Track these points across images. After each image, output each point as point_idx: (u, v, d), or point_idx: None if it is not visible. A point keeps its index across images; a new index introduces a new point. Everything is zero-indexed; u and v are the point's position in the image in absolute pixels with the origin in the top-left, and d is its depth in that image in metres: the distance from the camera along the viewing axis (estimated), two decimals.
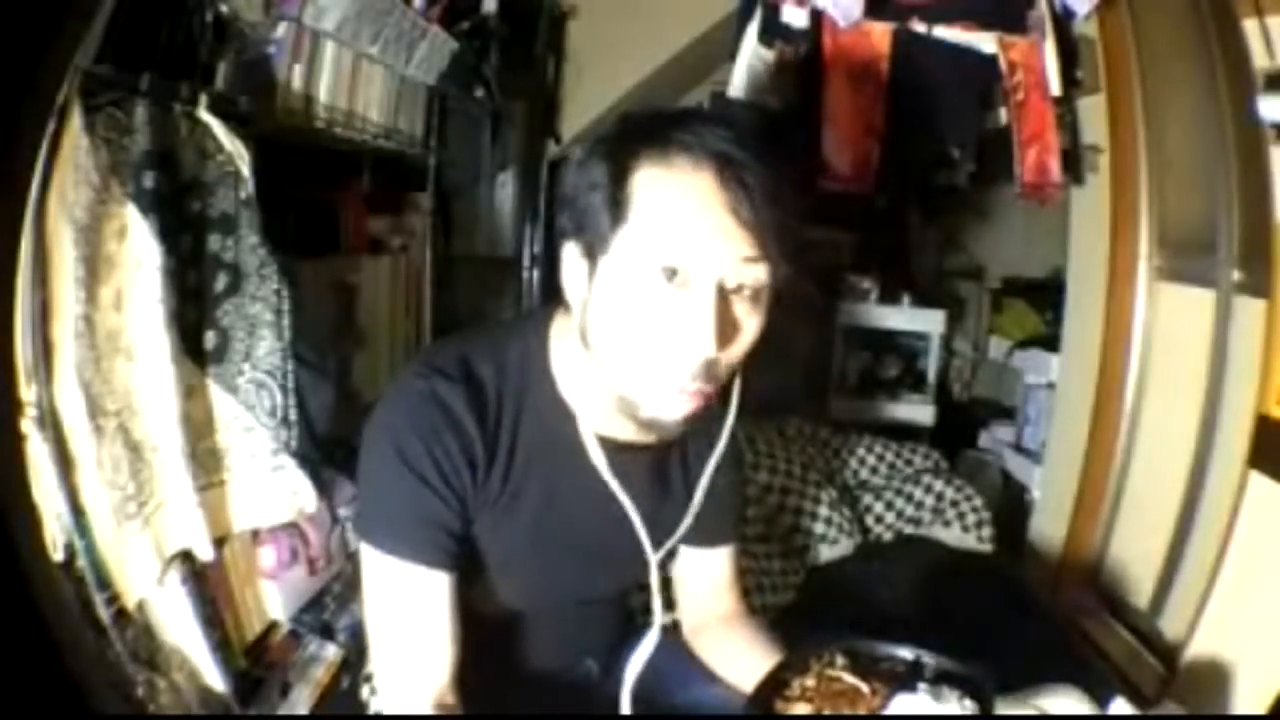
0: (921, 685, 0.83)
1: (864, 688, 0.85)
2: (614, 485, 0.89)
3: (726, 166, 0.75)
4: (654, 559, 0.93)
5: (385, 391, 0.88)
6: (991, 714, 0.81)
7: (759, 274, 0.78)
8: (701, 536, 1.02)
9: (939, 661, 0.87)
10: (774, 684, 0.87)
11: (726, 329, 0.77)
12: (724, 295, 0.77)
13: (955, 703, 0.81)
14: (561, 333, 0.90)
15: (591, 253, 0.80)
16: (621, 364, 0.80)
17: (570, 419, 0.89)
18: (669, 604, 1.08)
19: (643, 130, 0.79)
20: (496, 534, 0.89)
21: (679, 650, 1.03)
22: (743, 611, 1.09)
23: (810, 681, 0.87)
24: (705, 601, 1.08)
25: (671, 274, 0.76)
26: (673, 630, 1.05)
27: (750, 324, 0.80)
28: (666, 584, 1.08)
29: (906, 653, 0.89)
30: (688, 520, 0.96)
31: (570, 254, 0.83)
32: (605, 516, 0.91)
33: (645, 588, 0.95)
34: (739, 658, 1.00)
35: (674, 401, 0.80)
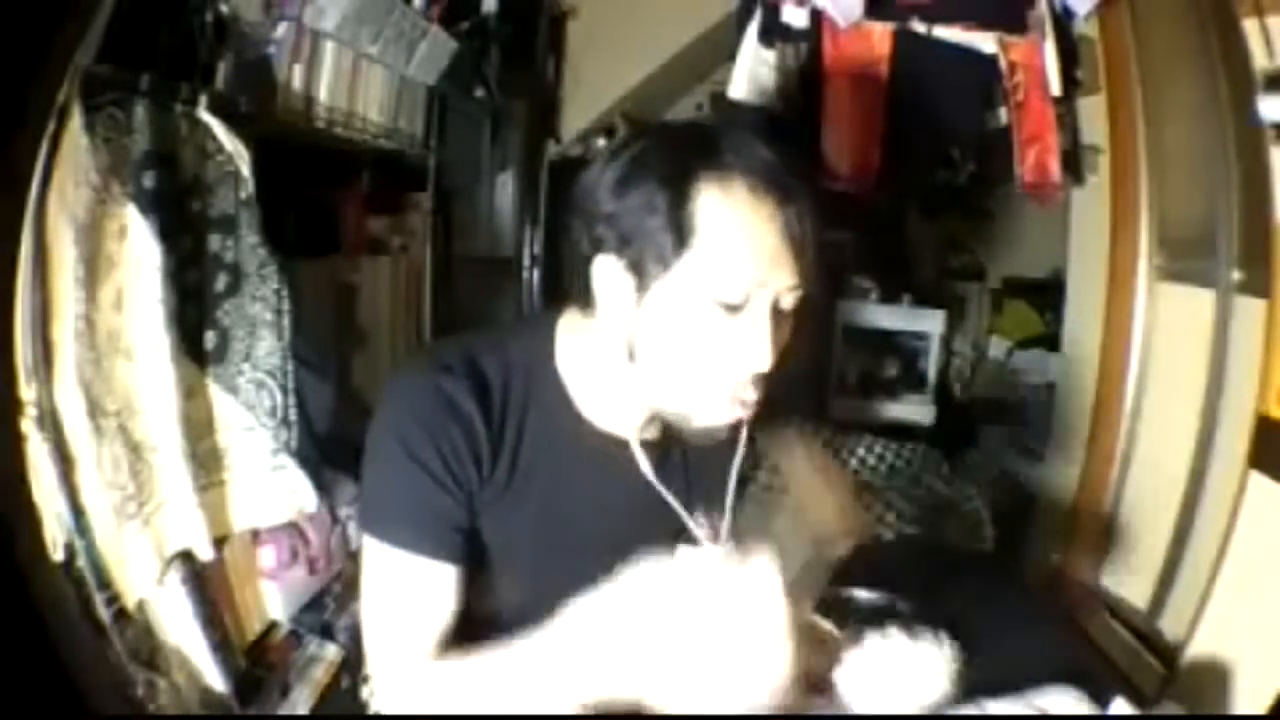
0: (893, 626, 0.82)
1: (834, 632, 0.84)
2: (656, 483, 0.90)
3: (786, 198, 0.78)
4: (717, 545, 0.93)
5: (388, 385, 0.88)
6: (962, 658, 0.80)
7: (799, 293, 0.82)
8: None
9: (911, 607, 0.87)
10: None
11: (776, 343, 0.81)
12: (776, 315, 0.81)
13: (930, 641, 0.80)
14: (568, 333, 0.90)
15: (642, 271, 0.79)
16: (674, 381, 0.82)
17: (579, 419, 0.90)
18: None
19: (694, 148, 0.79)
20: (500, 531, 0.88)
21: None
22: None
23: None
24: None
25: (733, 308, 0.78)
26: None
27: (783, 334, 0.83)
28: None
29: (882, 599, 0.88)
30: (726, 522, 0.96)
31: (610, 268, 0.81)
32: (612, 514, 0.91)
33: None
34: None
35: (726, 411, 0.83)
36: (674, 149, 0.80)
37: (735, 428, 0.94)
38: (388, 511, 0.84)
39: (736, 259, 0.77)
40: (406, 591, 0.83)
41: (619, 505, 0.91)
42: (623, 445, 0.90)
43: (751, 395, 0.82)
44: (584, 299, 0.85)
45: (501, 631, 0.95)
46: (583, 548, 0.92)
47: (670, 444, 0.95)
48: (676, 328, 0.80)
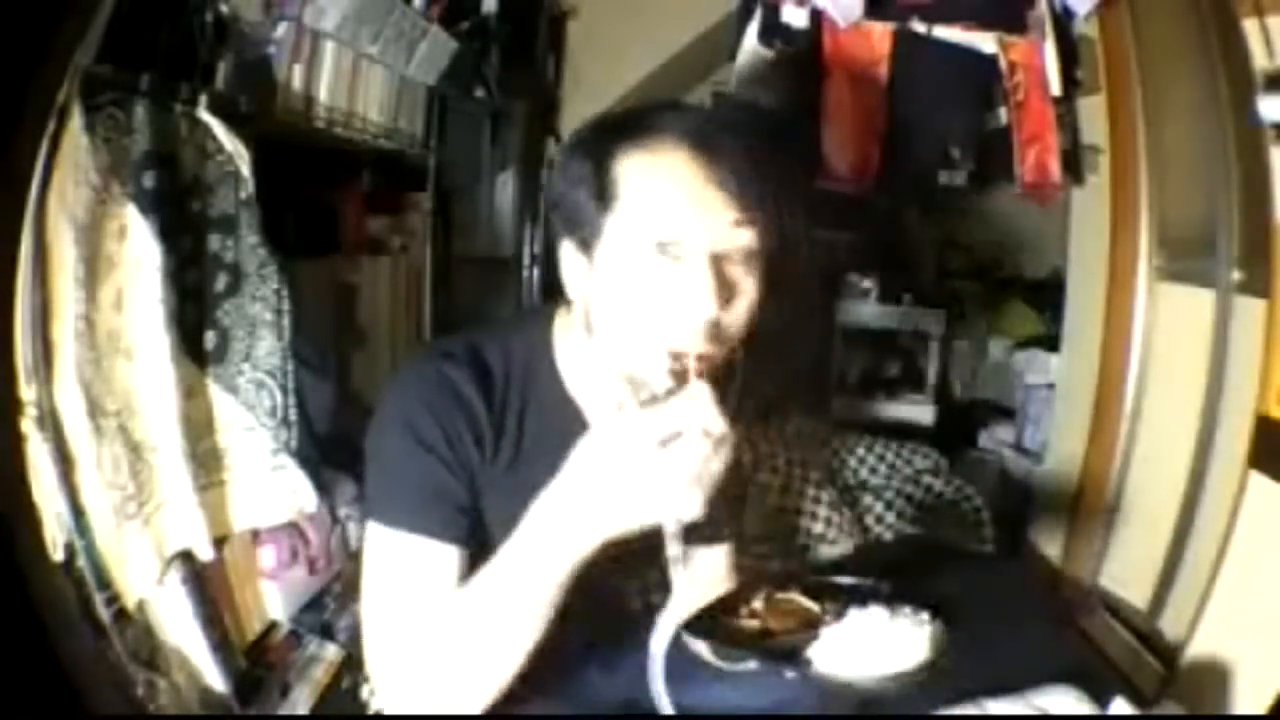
0: (875, 602, 0.82)
1: (815, 607, 0.84)
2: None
3: (702, 141, 0.80)
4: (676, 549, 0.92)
5: (393, 377, 0.92)
6: (949, 637, 0.80)
7: (748, 239, 0.81)
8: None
9: (891, 588, 0.87)
10: (718, 608, 0.86)
11: (724, 290, 0.80)
12: (718, 262, 0.80)
13: (912, 618, 0.79)
14: (565, 330, 0.92)
15: (586, 245, 0.83)
16: (627, 343, 0.83)
17: (577, 415, 0.91)
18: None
19: (619, 124, 0.84)
20: (499, 521, 0.88)
21: (681, 647, 1.02)
22: None
23: (758, 604, 0.86)
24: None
25: (664, 248, 0.79)
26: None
27: (746, 287, 0.82)
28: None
29: (865, 582, 0.88)
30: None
31: (567, 252, 0.86)
32: None
33: (645, 587, 0.95)
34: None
35: (684, 370, 0.81)
36: (603, 127, 0.85)
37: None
38: (394, 495, 0.85)
39: (656, 200, 0.80)
40: (411, 576, 0.83)
41: None
42: None
43: (707, 348, 0.80)
44: (564, 291, 0.88)
45: None
46: None
47: None
48: (620, 285, 0.82)
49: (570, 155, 0.85)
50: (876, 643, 0.77)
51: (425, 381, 0.87)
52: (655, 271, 0.80)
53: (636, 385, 0.83)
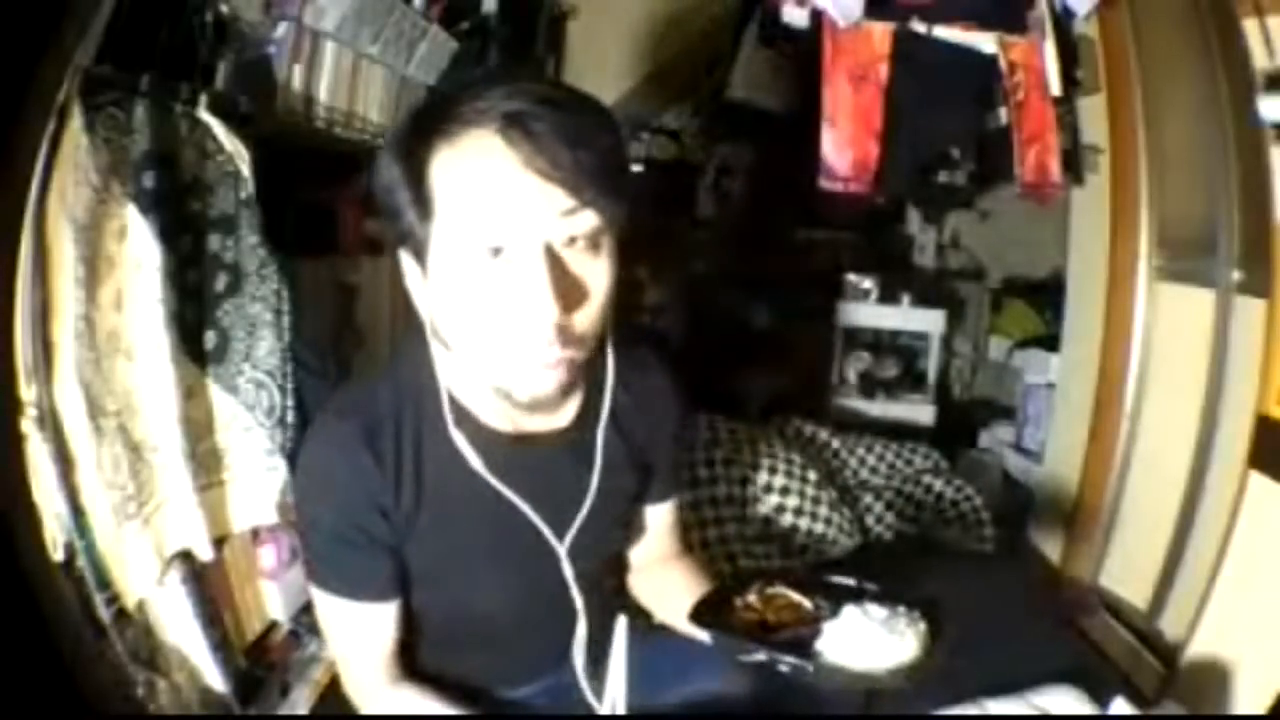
0: (867, 600, 0.83)
1: (807, 603, 0.85)
2: (498, 484, 0.87)
3: (510, 124, 0.72)
4: (562, 548, 0.91)
5: (303, 445, 0.91)
6: (939, 638, 0.80)
7: (588, 221, 0.74)
8: (650, 496, 1.04)
9: (881, 588, 0.87)
10: (715, 601, 0.88)
11: (568, 289, 0.74)
12: (555, 256, 0.73)
13: (904, 617, 0.80)
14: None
15: (417, 251, 0.78)
16: (480, 353, 0.78)
17: (473, 422, 0.87)
18: (622, 589, 1.09)
19: (427, 118, 0.77)
20: (425, 554, 0.88)
21: (667, 644, 1.01)
22: (679, 552, 1.11)
23: (751, 598, 0.87)
24: (647, 550, 1.09)
25: (495, 251, 0.73)
26: (656, 626, 1.05)
27: (597, 275, 0.77)
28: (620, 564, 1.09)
29: (849, 580, 0.89)
30: (595, 506, 0.93)
31: (405, 261, 0.81)
32: (513, 511, 0.89)
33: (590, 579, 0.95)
34: (675, 594, 0.99)
35: (542, 377, 0.78)
36: (412, 126, 0.77)
37: (637, 387, 0.94)
38: (320, 564, 0.88)
39: (474, 202, 0.73)
40: (352, 629, 0.89)
41: (500, 502, 0.89)
42: (526, 439, 0.89)
43: (565, 353, 0.76)
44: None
45: (456, 648, 0.96)
46: (508, 553, 0.91)
47: (591, 422, 0.92)
48: (458, 296, 0.76)
49: (382, 159, 0.78)
50: (879, 636, 0.77)
51: (319, 459, 0.86)
52: (490, 277, 0.74)
53: (503, 393, 0.81)
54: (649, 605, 1.06)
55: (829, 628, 0.80)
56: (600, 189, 0.73)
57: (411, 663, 0.93)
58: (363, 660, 0.90)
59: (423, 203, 0.75)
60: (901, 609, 0.81)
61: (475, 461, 0.86)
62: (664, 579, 1.06)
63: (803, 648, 0.79)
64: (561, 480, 0.92)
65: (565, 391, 0.81)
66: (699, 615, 0.86)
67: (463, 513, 0.88)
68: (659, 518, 1.08)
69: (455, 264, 0.75)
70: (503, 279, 0.74)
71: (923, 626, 0.79)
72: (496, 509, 0.88)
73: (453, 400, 0.87)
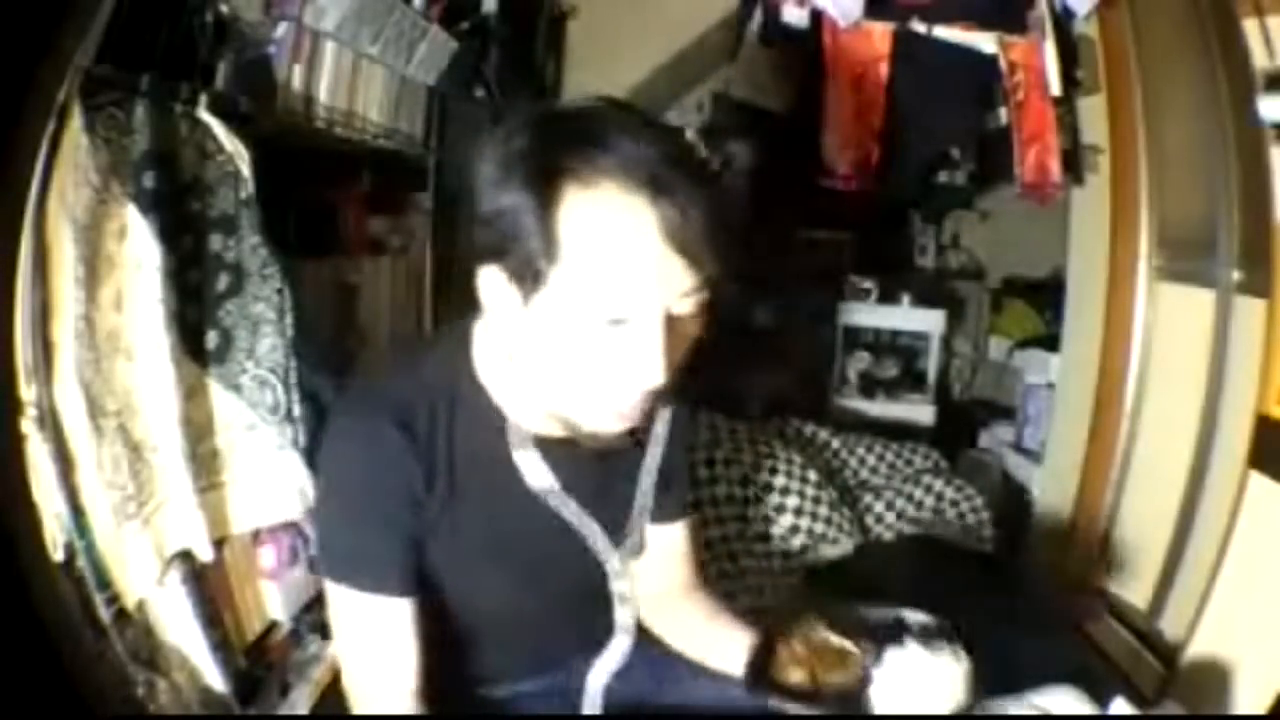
0: (910, 639, 0.83)
1: (853, 648, 0.85)
2: (540, 491, 0.87)
3: (660, 191, 0.70)
4: (614, 558, 0.92)
5: (325, 434, 0.87)
6: (978, 663, 0.81)
7: (702, 297, 0.75)
8: (662, 513, 1.01)
9: (918, 616, 0.87)
10: (764, 656, 0.87)
11: (672, 355, 0.75)
12: (669, 323, 0.74)
13: (948, 652, 0.80)
14: (486, 337, 0.87)
15: (522, 282, 0.74)
16: (560, 392, 0.79)
17: (506, 424, 0.87)
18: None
19: (567, 142, 0.72)
20: (451, 546, 0.87)
21: (662, 645, 1.02)
22: (698, 583, 1.08)
23: (798, 647, 0.87)
24: (662, 574, 1.05)
25: (617, 322, 0.73)
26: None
27: (691, 333, 0.78)
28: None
29: (885, 612, 0.89)
30: (641, 514, 0.95)
31: (493, 278, 0.77)
32: (556, 518, 0.89)
33: (605, 582, 0.95)
34: (699, 630, 0.99)
35: (617, 424, 0.79)
36: (546, 144, 0.73)
37: (646, 429, 0.93)
38: (338, 557, 0.85)
39: (612, 273, 0.71)
40: (366, 628, 0.84)
41: (548, 509, 0.89)
42: (559, 443, 0.88)
43: (642, 409, 0.78)
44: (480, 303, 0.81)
45: (467, 644, 0.95)
46: (532, 554, 0.91)
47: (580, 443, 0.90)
48: (560, 342, 0.75)
49: (508, 171, 0.73)
50: (925, 678, 0.79)
51: (351, 444, 0.83)
52: (604, 340, 0.73)
53: (564, 423, 0.81)
54: (667, 635, 1.02)
55: (878, 674, 0.81)
56: (721, 263, 0.74)
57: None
58: (371, 666, 0.85)
59: (551, 242, 0.71)
60: (943, 643, 0.82)
61: (533, 465, 0.86)
62: (687, 615, 1.03)
63: (854, 700, 0.80)
64: (606, 484, 0.92)
65: (629, 431, 0.83)
66: (753, 680, 0.86)
67: (502, 510, 0.88)
68: (674, 539, 1.05)
69: (569, 316, 0.73)
70: (615, 340, 0.73)
71: (964, 656, 0.80)
72: (536, 509, 0.88)
73: (491, 401, 0.87)
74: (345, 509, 0.84)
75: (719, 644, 0.94)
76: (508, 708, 1.00)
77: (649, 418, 0.89)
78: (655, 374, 0.74)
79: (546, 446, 0.87)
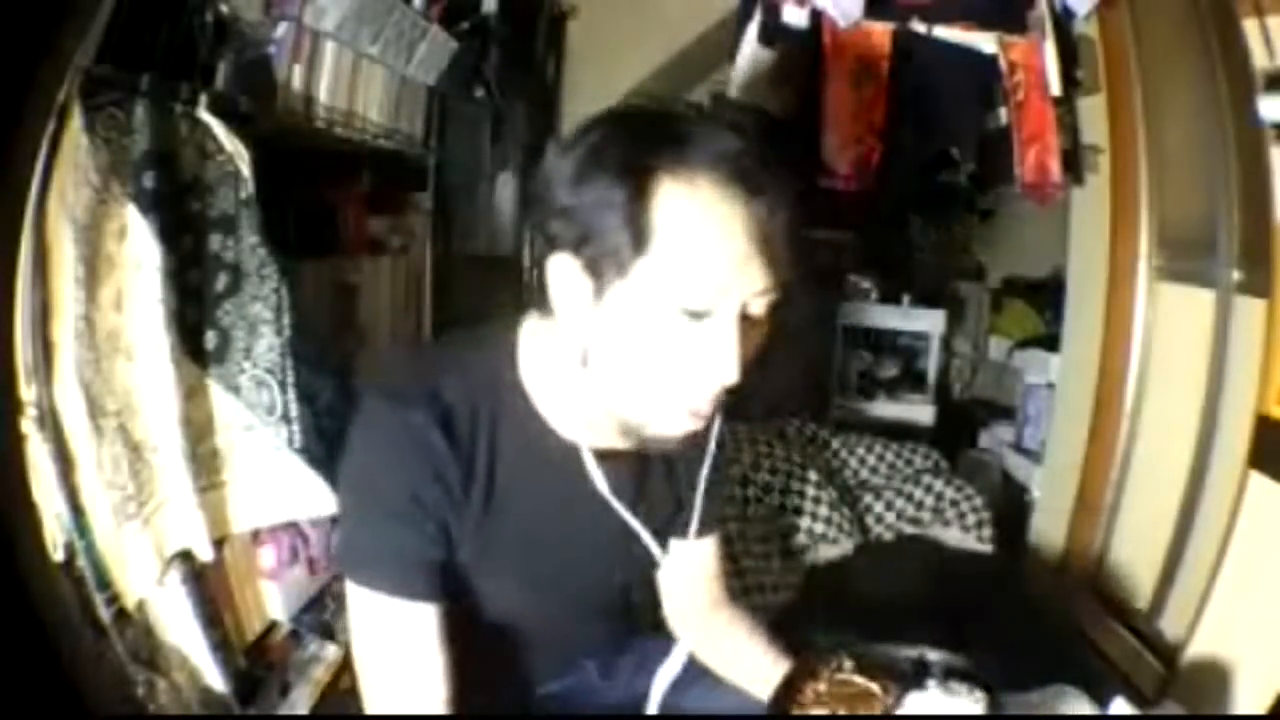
0: (931, 682, 0.84)
1: (876, 688, 0.86)
2: (609, 496, 0.87)
3: (756, 195, 0.71)
4: (664, 559, 0.93)
5: (354, 425, 0.83)
6: (998, 705, 0.82)
7: (772, 299, 0.76)
8: (700, 526, 1.01)
9: (941, 657, 0.88)
10: (787, 692, 0.89)
11: (745, 348, 0.75)
12: (744, 321, 0.75)
13: (966, 696, 0.82)
14: (532, 342, 0.86)
15: (599, 273, 0.74)
16: (631, 390, 0.77)
17: (548, 432, 0.86)
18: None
19: (656, 138, 0.73)
20: (484, 553, 0.86)
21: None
22: (727, 599, 1.07)
23: (822, 686, 0.88)
24: (692, 590, 1.06)
25: (696, 315, 0.73)
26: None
27: (759, 337, 0.78)
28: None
29: (910, 652, 0.90)
30: (694, 522, 0.96)
31: (566, 267, 0.76)
32: (593, 524, 0.89)
33: (629, 590, 0.96)
34: (733, 649, 1.00)
35: (684, 423, 0.78)
36: (635, 139, 0.74)
37: (701, 436, 0.90)
38: (366, 557, 0.81)
39: (700, 264, 0.71)
40: (390, 633, 0.80)
41: (585, 516, 0.88)
42: (600, 455, 0.87)
43: (712, 407, 0.78)
44: (543, 299, 0.79)
45: (493, 645, 0.95)
46: (567, 560, 0.91)
47: (634, 451, 0.89)
48: (636, 335, 0.74)
49: (593, 162, 0.73)
50: None
51: (387, 437, 0.80)
52: (679, 333, 0.73)
53: (625, 426, 0.80)
54: (699, 648, 1.02)
55: (898, 716, 0.83)
56: (794, 267, 0.75)
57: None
58: (390, 676, 0.82)
59: (641, 233, 0.71)
60: (962, 687, 0.83)
61: (596, 475, 0.86)
62: (720, 632, 1.03)
63: None
64: (641, 494, 0.93)
65: (690, 435, 0.82)
66: (777, 712, 0.88)
67: (542, 517, 0.87)
68: (705, 554, 1.04)
69: (648, 306, 0.73)
70: (692, 335, 0.73)
71: (982, 699, 0.82)
72: (574, 516, 0.88)
73: (533, 408, 0.85)
74: (373, 503, 0.80)
75: (752, 665, 0.95)
76: (533, 710, 1.01)
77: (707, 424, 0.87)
78: (730, 370, 0.74)
79: (593, 455, 0.87)
